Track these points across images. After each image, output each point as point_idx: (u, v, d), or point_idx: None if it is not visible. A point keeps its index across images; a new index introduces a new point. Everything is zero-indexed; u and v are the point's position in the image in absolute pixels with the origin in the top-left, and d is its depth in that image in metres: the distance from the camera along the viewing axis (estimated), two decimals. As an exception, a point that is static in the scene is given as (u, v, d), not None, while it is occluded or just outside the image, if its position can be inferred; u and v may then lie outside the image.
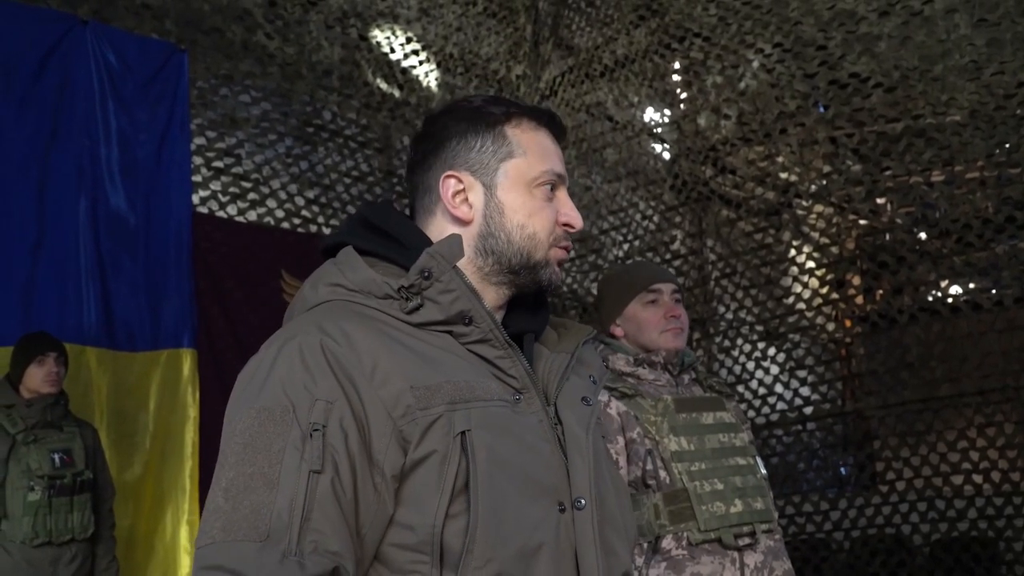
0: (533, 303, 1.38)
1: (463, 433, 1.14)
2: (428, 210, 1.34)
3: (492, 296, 1.32)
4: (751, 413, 7.18)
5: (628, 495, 1.46)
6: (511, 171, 1.32)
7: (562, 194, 1.35)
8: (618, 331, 2.65)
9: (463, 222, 1.32)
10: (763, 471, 2.56)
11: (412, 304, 1.23)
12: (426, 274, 1.22)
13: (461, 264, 1.26)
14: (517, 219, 1.31)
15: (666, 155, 8.23)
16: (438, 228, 1.33)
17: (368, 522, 1.12)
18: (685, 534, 2.36)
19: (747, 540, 2.41)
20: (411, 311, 1.23)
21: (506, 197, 1.31)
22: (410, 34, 7.64)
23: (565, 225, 1.33)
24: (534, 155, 1.33)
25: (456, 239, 1.26)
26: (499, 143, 1.32)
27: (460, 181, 1.32)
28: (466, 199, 1.32)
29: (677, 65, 7.83)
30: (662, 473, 2.40)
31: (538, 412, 1.25)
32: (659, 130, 8.25)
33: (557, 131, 1.38)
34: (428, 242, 1.28)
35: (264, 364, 1.19)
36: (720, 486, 2.41)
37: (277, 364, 1.17)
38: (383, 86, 7.46)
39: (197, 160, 6.04)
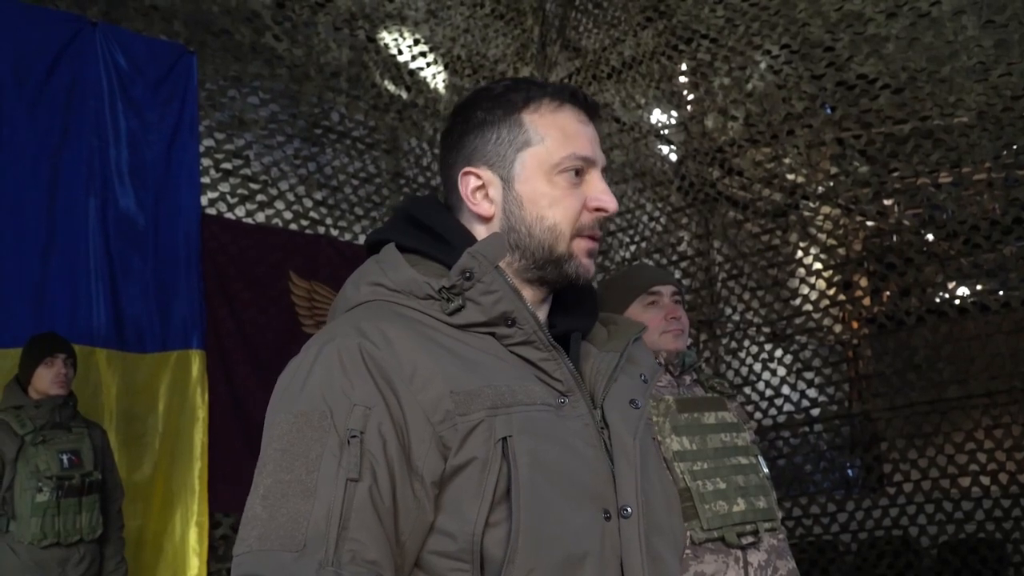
0: (580, 300, 1.33)
1: (504, 439, 1.11)
2: (455, 208, 1.30)
3: (529, 293, 1.26)
4: (758, 415, 7.18)
5: (678, 500, 1.41)
6: (528, 160, 1.26)
7: (592, 177, 1.27)
8: (619, 333, 2.67)
9: (484, 218, 1.27)
10: (765, 470, 2.56)
11: (453, 305, 1.19)
12: (467, 275, 1.18)
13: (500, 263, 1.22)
14: (536, 211, 1.25)
15: (673, 156, 8.24)
16: (466, 226, 1.29)
17: (408, 529, 1.10)
18: (688, 533, 2.37)
19: (750, 539, 2.42)
20: (452, 312, 1.20)
21: (524, 188, 1.25)
22: (418, 36, 7.65)
23: (597, 210, 1.26)
24: (553, 140, 1.26)
25: (498, 238, 1.23)
26: (515, 132, 1.26)
27: (479, 177, 1.27)
28: (487, 194, 1.27)
29: (684, 67, 7.84)
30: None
31: (584, 416, 1.20)
32: (666, 131, 8.26)
33: (585, 108, 1.30)
34: (473, 240, 1.25)
35: (303, 367, 1.16)
36: (723, 485, 2.42)
37: (315, 368, 1.14)
38: (391, 88, 7.48)
39: (206, 162, 6.06)
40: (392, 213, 1.37)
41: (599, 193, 1.26)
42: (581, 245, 1.26)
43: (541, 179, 1.25)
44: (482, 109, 1.28)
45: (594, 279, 1.31)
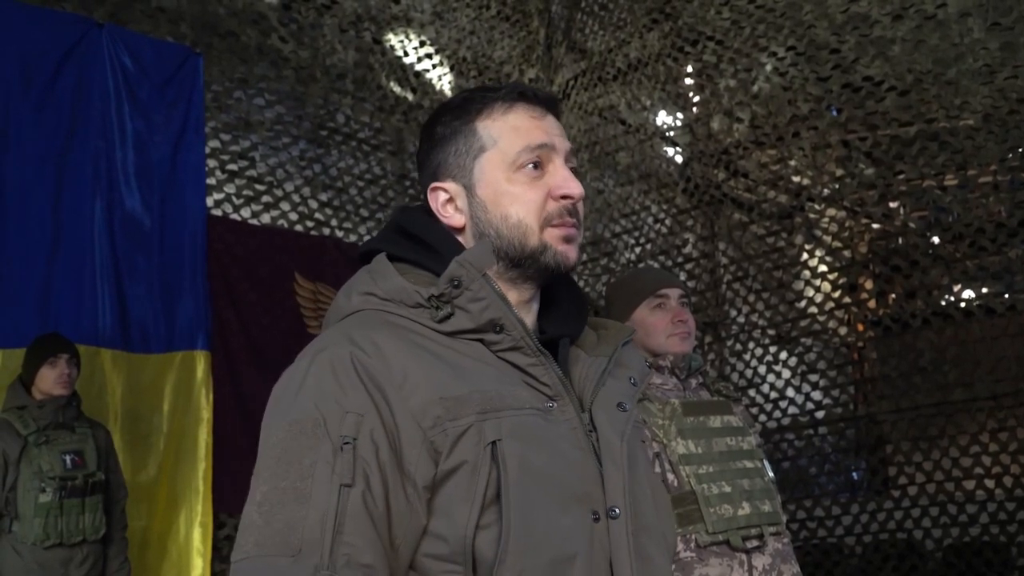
0: (569, 305, 1.36)
1: (493, 443, 1.13)
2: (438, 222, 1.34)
3: (514, 295, 1.29)
4: (763, 417, 7.18)
5: (668, 501, 1.43)
6: (486, 165, 1.29)
7: (554, 166, 1.29)
8: (626, 336, 2.67)
9: (458, 229, 1.31)
10: (770, 474, 2.57)
11: (442, 313, 1.22)
12: (456, 283, 1.21)
13: None
14: (499, 211, 1.27)
15: (678, 158, 8.24)
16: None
17: (401, 533, 1.12)
18: (693, 536, 2.37)
19: (755, 542, 2.42)
20: (442, 320, 1.22)
21: (485, 192, 1.28)
22: (423, 38, 7.67)
23: (563, 198, 1.28)
24: (506, 140, 1.29)
25: (485, 246, 1.25)
26: (471, 141, 1.30)
27: (445, 191, 1.31)
28: (455, 206, 1.31)
29: (690, 68, 7.84)
30: (670, 476, 2.41)
31: (571, 419, 1.23)
32: (672, 133, 8.26)
33: (539, 102, 1.32)
34: (461, 248, 1.27)
35: (296, 377, 1.19)
36: (728, 489, 2.42)
37: (309, 377, 1.17)
38: (397, 89, 7.49)
39: (212, 163, 6.07)
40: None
41: (561, 181, 1.28)
42: (554, 234, 1.28)
43: (501, 180, 1.28)
44: (441, 124, 1.33)
45: (577, 265, 1.32)
